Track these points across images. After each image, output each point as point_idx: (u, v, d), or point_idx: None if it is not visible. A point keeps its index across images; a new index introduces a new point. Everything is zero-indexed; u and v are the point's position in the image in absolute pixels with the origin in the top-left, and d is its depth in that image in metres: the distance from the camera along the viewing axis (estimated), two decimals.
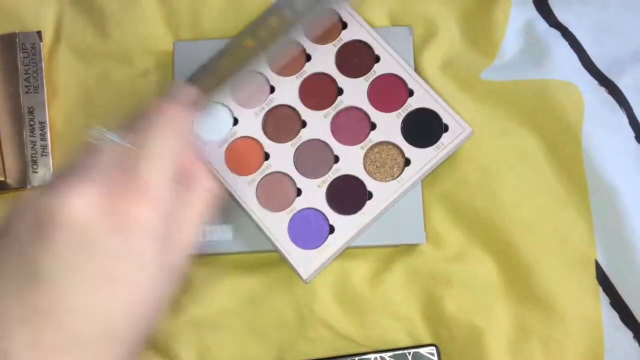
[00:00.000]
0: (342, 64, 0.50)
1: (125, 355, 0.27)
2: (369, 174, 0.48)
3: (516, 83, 0.49)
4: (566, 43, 0.46)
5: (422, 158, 0.48)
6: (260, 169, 0.48)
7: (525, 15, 0.47)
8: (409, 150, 0.48)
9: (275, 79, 0.50)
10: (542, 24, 0.47)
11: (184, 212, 0.32)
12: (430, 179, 0.49)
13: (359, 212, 0.48)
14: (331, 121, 0.49)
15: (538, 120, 0.46)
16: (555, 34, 0.46)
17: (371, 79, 0.50)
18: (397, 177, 0.48)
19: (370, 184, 0.48)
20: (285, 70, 0.51)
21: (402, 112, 0.49)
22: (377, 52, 0.50)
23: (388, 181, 0.48)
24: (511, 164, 0.48)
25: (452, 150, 0.48)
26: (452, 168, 0.49)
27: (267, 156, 0.48)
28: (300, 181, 0.47)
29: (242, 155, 0.49)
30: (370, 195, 0.48)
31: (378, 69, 0.50)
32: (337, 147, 0.48)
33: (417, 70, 0.51)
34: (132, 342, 0.28)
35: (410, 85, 0.49)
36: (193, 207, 0.33)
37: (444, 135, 0.48)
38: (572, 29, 0.46)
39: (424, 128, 0.49)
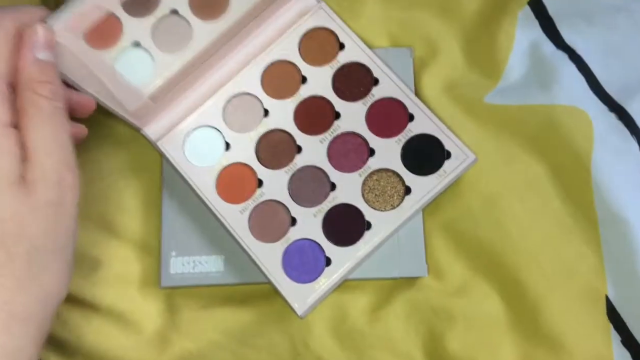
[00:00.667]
0: (340, 87, 0.48)
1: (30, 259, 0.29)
2: (367, 203, 0.45)
3: (521, 108, 0.46)
4: (574, 66, 0.44)
5: (424, 186, 0.45)
6: (253, 197, 0.45)
7: (530, 36, 0.44)
8: (410, 178, 0.45)
9: (269, 102, 0.48)
10: (548, 46, 0.44)
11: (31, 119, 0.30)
12: (431, 207, 0.46)
13: (357, 243, 0.45)
14: (328, 147, 0.46)
15: (545, 147, 0.44)
16: (562, 56, 0.44)
17: (370, 103, 0.47)
18: (397, 206, 0.45)
19: (369, 213, 0.45)
20: (280, 93, 0.47)
21: (402, 137, 0.46)
22: (375, 74, 0.47)
23: (387, 210, 0.45)
24: (517, 192, 0.45)
25: (455, 178, 0.45)
26: (454, 196, 0.46)
27: (260, 183, 0.45)
28: (295, 210, 0.44)
29: (234, 183, 0.46)
30: (368, 226, 0.45)
31: (377, 93, 0.47)
32: (334, 174, 0.45)
33: (417, 93, 0.48)
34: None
35: (411, 109, 0.46)
36: (41, 112, 0.31)
37: (446, 162, 0.45)
38: (579, 51, 0.43)
39: (425, 155, 0.46)
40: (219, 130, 0.46)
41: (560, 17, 0.44)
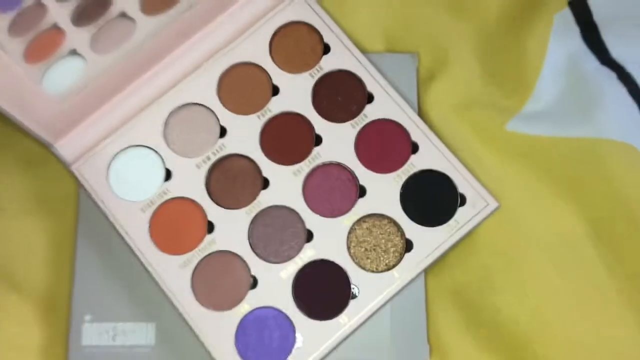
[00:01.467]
0: (322, 102, 0.36)
1: None
2: (354, 261, 0.34)
3: (555, 140, 0.35)
4: (623, 88, 0.35)
5: (429, 241, 0.34)
6: (200, 246, 0.34)
7: (568, 47, 0.35)
8: (411, 228, 0.34)
9: (227, 117, 0.36)
10: (591, 61, 0.35)
11: None
12: (437, 267, 0.35)
13: (339, 317, 0.33)
14: (304, 181, 0.35)
15: (585, 194, 0.34)
16: (609, 75, 0.35)
17: (361, 126, 0.36)
18: (394, 266, 0.34)
19: (356, 275, 0.34)
20: (243, 106, 0.36)
21: (403, 174, 0.35)
22: (369, 88, 0.36)
23: (380, 272, 0.34)
24: (546, 250, 0.35)
25: (470, 231, 0.34)
26: (467, 253, 0.35)
27: (210, 227, 0.34)
28: (257, 266, 0.34)
29: (175, 225, 0.35)
30: (355, 293, 0.33)
31: (371, 112, 0.36)
32: (311, 219, 0.34)
33: (420, 112, 0.37)
34: None
35: (415, 136, 0.35)
36: None
37: (460, 210, 0.34)
38: (630, 68, 0.34)
39: (432, 198, 0.35)
40: (157, 153, 0.35)
41: (607, 25, 0.35)
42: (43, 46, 0.30)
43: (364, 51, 0.37)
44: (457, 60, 0.36)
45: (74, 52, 0.31)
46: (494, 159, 0.36)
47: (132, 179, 0.35)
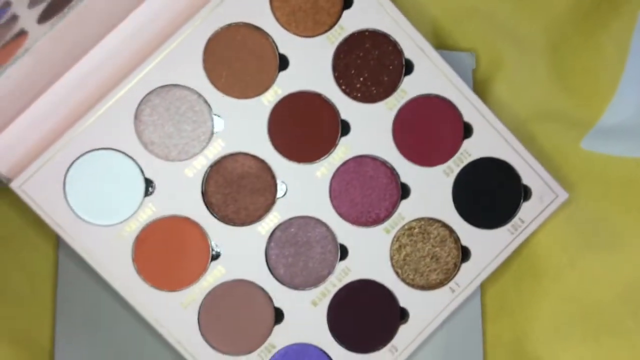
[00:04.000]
0: (346, 74, 0.26)
1: None
2: (400, 277, 0.27)
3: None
4: None
5: (489, 246, 0.27)
6: (204, 277, 0.26)
7: None
8: (468, 232, 0.27)
9: (221, 102, 0.26)
10: None
11: None
12: (492, 316, 0.29)
13: (387, 346, 0.27)
14: (331, 182, 0.26)
15: None
16: None
17: (399, 105, 0.27)
18: (449, 280, 0.27)
19: (405, 293, 0.27)
20: (241, 86, 0.26)
21: (455, 165, 0.27)
22: (407, 54, 0.26)
23: (433, 287, 0.27)
24: (627, 296, 0.29)
25: (536, 228, 0.27)
26: (532, 293, 0.29)
27: (216, 253, 0.26)
28: (281, 295, 0.26)
29: (168, 252, 0.26)
30: (404, 315, 0.27)
31: (410, 86, 0.27)
32: (344, 229, 0.26)
33: None
34: None
35: (468, 116, 0.27)
36: None
37: (525, 205, 0.27)
38: None
39: (491, 193, 0.27)
40: (130, 158, 0.25)
41: None
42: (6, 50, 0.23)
43: None
44: (520, 62, 0.29)
45: (27, 50, 0.23)
46: (567, 183, 0.28)
47: (100, 195, 0.25)
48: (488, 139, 0.27)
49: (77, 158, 0.25)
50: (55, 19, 0.23)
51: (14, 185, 0.25)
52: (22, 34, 0.23)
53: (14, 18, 0.22)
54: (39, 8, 0.22)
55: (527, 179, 0.27)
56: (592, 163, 0.29)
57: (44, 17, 0.23)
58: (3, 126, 0.24)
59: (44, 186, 0.25)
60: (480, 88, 0.30)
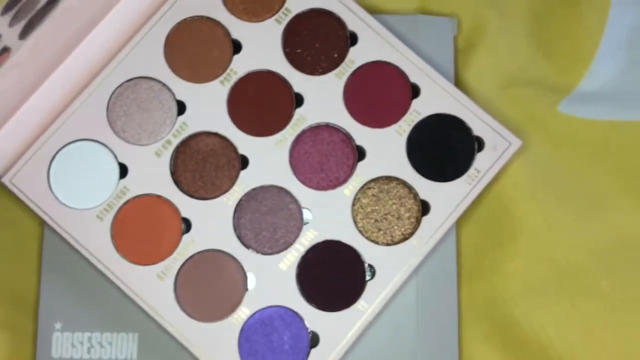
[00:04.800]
0: (296, 52, 0.28)
1: None
2: (364, 235, 0.27)
3: (615, 125, 0.29)
4: None
5: (448, 199, 0.27)
6: (178, 250, 0.27)
7: (633, 15, 0.29)
8: (425, 187, 0.28)
9: (183, 88, 0.28)
10: None
11: None
12: (468, 277, 0.29)
13: (357, 303, 0.27)
14: (290, 151, 0.28)
15: None
16: None
17: (347, 74, 0.28)
18: (411, 234, 0.28)
19: (370, 251, 0.27)
20: (200, 72, 0.28)
21: (406, 124, 0.28)
22: (351, 27, 0.28)
23: (397, 243, 0.27)
24: (602, 257, 0.28)
25: (493, 177, 0.28)
26: (506, 255, 0.29)
27: (187, 224, 0.27)
28: (251, 262, 0.27)
29: (143, 229, 0.27)
30: (372, 272, 0.27)
31: (357, 56, 0.28)
32: (306, 195, 0.27)
33: (458, 87, 0.29)
34: None
35: (414, 77, 0.28)
36: None
37: (479, 155, 0.28)
38: None
39: (444, 147, 0.28)
40: (104, 146, 0.28)
41: None
42: None
43: (391, 12, 0.29)
44: (502, 29, 0.29)
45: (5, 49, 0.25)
46: (543, 145, 0.29)
47: (80, 182, 0.27)
48: (436, 97, 0.28)
49: (59, 150, 0.28)
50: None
51: (5, 180, 0.27)
52: (5, 50, 0.25)
53: None
54: (19, 26, 0.25)
55: (478, 130, 0.28)
56: (569, 126, 0.29)
57: (23, 33, 0.25)
58: (6, 118, 0.27)
59: (31, 178, 0.27)
60: (462, 53, 0.30)
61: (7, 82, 0.26)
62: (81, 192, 0.27)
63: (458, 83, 0.30)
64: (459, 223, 0.29)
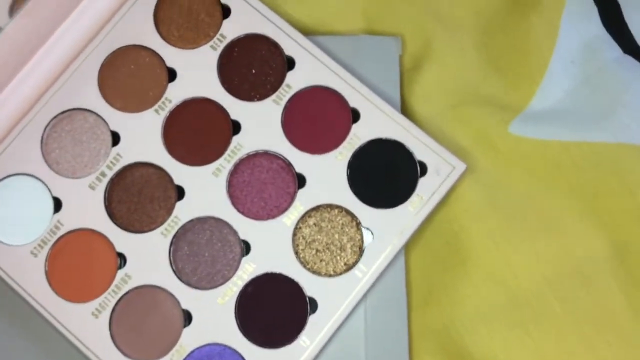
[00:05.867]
0: (232, 78, 0.27)
1: None
2: (306, 267, 0.26)
3: (567, 146, 0.27)
4: None
5: (392, 226, 0.26)
6: (113, 286, 0.26)
7: (584, 31, 0.28)
8: (368, 214, 0.26)
9: (117, 119, 0.27)
10: (611, 49, 0.28)
11: None
12: (418, 304, 0.28)
13: (299, 339, 0.26)
14: (228, 180, 0.27)
15: (603, 210, 0.27)
16: (632, 65, 0.27)
17: (285, 100, 0.27)
18: (355, 264, 0.26)
19: (312, 283, 0.26)
20: (134, 101, 0.27)
21: (346, 150, 0.27)
22: (288, 51, 0.27)
23: (340, 274, 0.26)
24: (555, 281, 0.27)
25: (438, 202, 0.26)
26: (457, 279, 0.27)
27: (121, 259, 0.26)
28: (188, 297, 0.26)
29: (78, 265, 0.26)
30: (313, 306, 0.26)
31: (294, 81, 0.27)
32: (245, 226, 0.26)
33: (405, 108, 0.28)
34: None
35: (353, 102, 0.27)
36: None
37: (422, 180, 0.26)
38: None
39: (386, 173, 0.27)
40: (38, 179, 0.27)
41: (633, 3, 0.27)
42: None
43: (335, 33, 0.28)
44: (449, 45, 0.28)
45: None
46: (494, 168, 0.27)
47: (13, 217, 0.26)
48: (376, 121, 0.27)
49: None
50: None
51: None
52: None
53: None
54: None
55: (420, 154, 0.26)
56: (519, 147, 0.28)
57: None
58: None
59: None
60: (408, 73, 0.28)
61: None
62: (15, 228, 0.26)
63: (404, 104, 0.28)
64: (408, 249, 0.27)
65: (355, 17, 0.29)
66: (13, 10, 0.24)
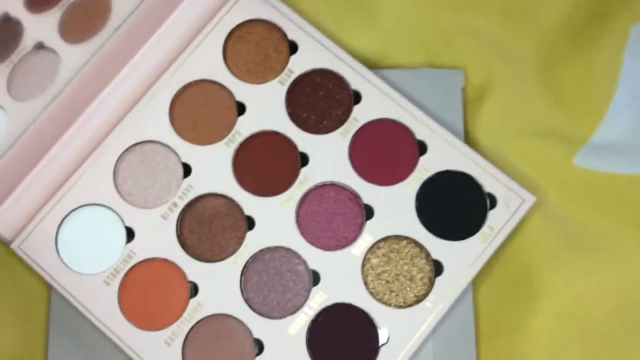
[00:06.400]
0: (299, 111, 0.28)
1: None
2: (376, 298, 0.26)
3: (632, 179, 0.28)
4: None
5: (462, 258, 0.26)
6: (185, 314, 0.26)
7: None
8: (438, 246, 0.26)
9: (188, 151, 0.28)
10: None
11: None
12: (487, 337, 0.28)
13: None
14: (296, 211, 0.27)
15: None
16: None
17: (352, 132, 0.28)
18: (425, 295, 0.26)
19: (382, 314, 0.26)
20: (205, 134, 0.28)
21: (414, 181, 0.27)
22: (354, 85, 0.28)
23: (410, 305, 0.26)
24: (624, 314, 0.27)
25: (508, 235, 0.26)
26: (527, 312, 0.27)
27: (194, 288, 0.27)
28: (259, 326, 0.26)
29: (150, 294, 0.27)
30: (384, 337, 0.26)
31: (361, 114, 0.28)
32: (314, 256, 0.26)
33: (467, 139, 0.29)
34: None
35: (420, 134, 0.27)
36: None
37: (492, 213, 0.26)
38: None
39: (455, 205, 0.27)
40: (111, 210, 0.27)
41: None
42: None
43: (398, 66, 0.29)
44: (512, 79, 0.29)
45: None
46: (561, 200, 0.28)
47: (87, 247, 0.26)
48: (444, 153, 0.27)
49: (66, 216, 0.27)
50: (8, 65, 0.25)
51: (14, 246, 0.27)
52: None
53: None
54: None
55: (489, 186, 0.26)
56: (585, 179, 0.28)
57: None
58: (3, 197, 0.27)
59: (38, 244, 0.27)
60: (471, 105, 0.29)
61: (21, 141, 0.26)
62: (88, 257, 0.27)
63: (468, 136, 0.29)
64: (476, 282, 0.27)
65: (417, 50, 0.29)
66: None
